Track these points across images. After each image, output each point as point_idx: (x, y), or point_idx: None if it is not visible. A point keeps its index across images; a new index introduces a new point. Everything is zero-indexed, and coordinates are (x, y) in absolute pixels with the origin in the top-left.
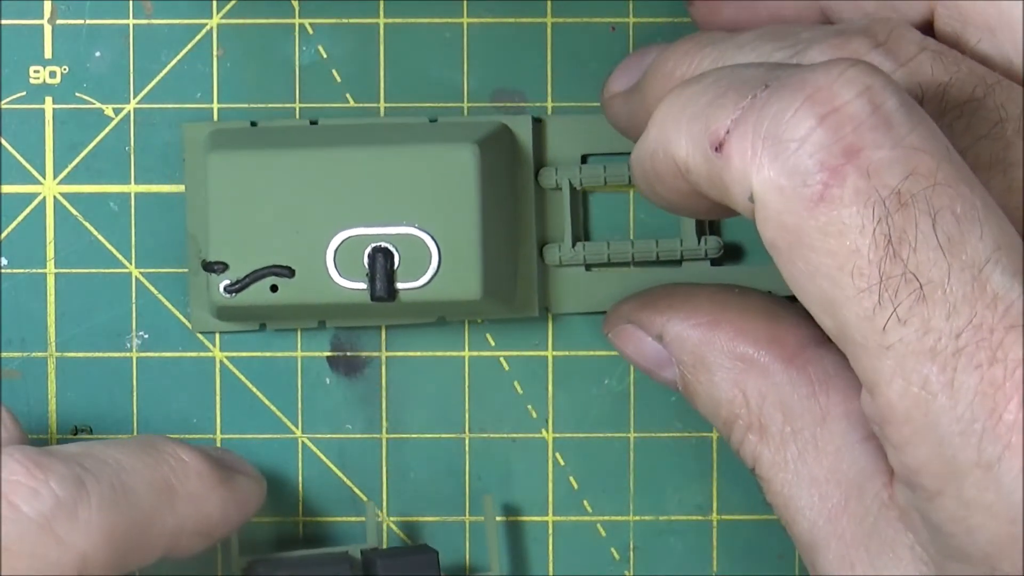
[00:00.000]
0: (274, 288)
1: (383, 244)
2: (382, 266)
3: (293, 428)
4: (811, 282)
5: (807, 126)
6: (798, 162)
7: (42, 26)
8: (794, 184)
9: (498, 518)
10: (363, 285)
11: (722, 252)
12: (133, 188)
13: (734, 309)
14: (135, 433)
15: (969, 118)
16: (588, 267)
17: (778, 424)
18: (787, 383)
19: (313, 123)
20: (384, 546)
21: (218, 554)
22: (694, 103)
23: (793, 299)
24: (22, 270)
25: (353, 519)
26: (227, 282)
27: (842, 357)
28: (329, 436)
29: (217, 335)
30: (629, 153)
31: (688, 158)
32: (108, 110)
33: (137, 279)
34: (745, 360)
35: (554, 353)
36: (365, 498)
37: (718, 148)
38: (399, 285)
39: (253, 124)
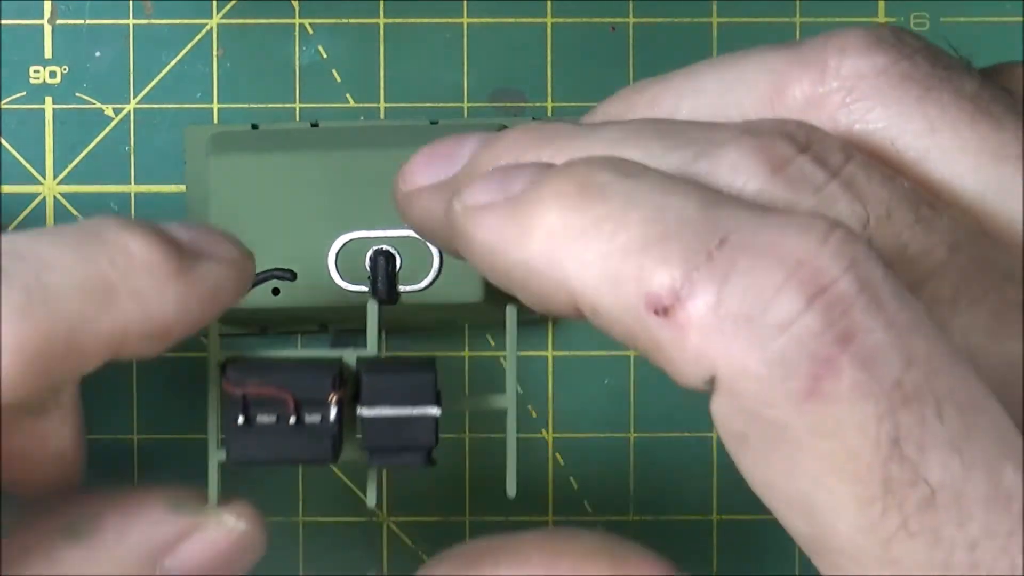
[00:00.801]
0: (276, 291)
1: (385, 247)
2: (384, 269)
3: None
4: (787, 482)
5: (793, 309)
6: (783, 351)
7: (42, 26)
8: (777, 376)
9: (496, 517)
10: (365, 288)
11: None
12: (133, 188)
13: (571, 556)
14: (136, 436)
15: (922, 241)
16: None
17: None
18: None
19: (314, 125)
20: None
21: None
22: (609, 237)
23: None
24: None
25: (353, 519)
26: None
27: None
28: None
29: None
30: None
31: (599, 302)
32: (108, 110)
33: None
34: None
35: (554, 353)
36: (366, 500)
37: (660, 312)
38: (401, 288)
39: (254, 127)
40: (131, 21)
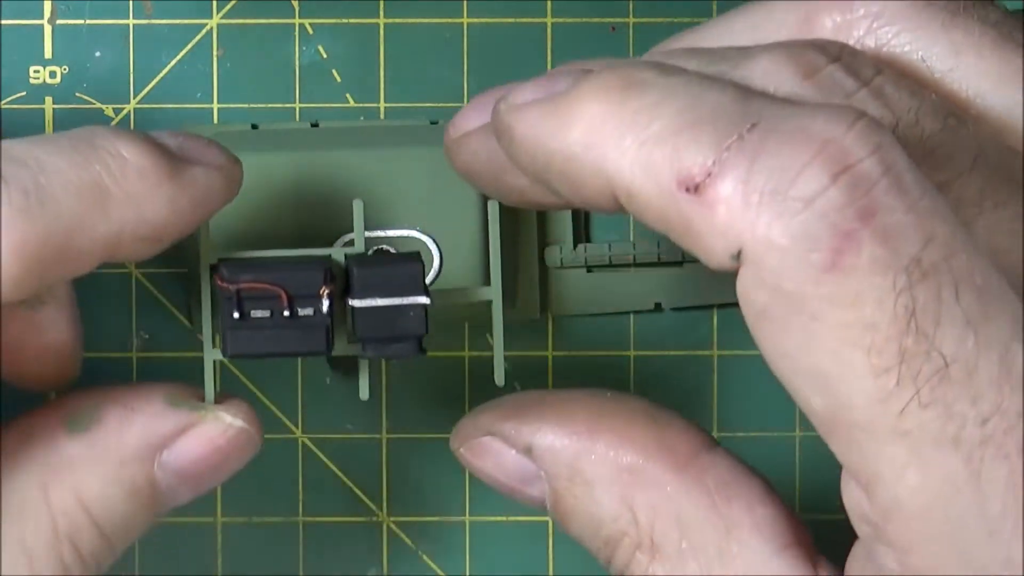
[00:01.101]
0: None
1: (385, 247)
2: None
3: (293, 428)
4: (806, 355)
5: (818, 184)
6: (807, 224)
7: (42, 26)
8: (800, 248)
9: (496, 517)
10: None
11: None
12: None
13: (614, 415)
14: None
15: (949, 148)
16: (589, 269)
17: (674, 540)
18: (682, 494)
19: (314, 125)
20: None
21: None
22: (646, 124)
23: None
24: None
25: (353, 519)
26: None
27: (737, 462)
28: (329, 436)
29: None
30: None
31: (633, 185)
32: (108, 110)
33: (137, 279)
34: (632, 471)
35: (554, 353)
36: (367, 501)
37: (692, 190)
38: None
39: (254, 127)
40: (131, 21)
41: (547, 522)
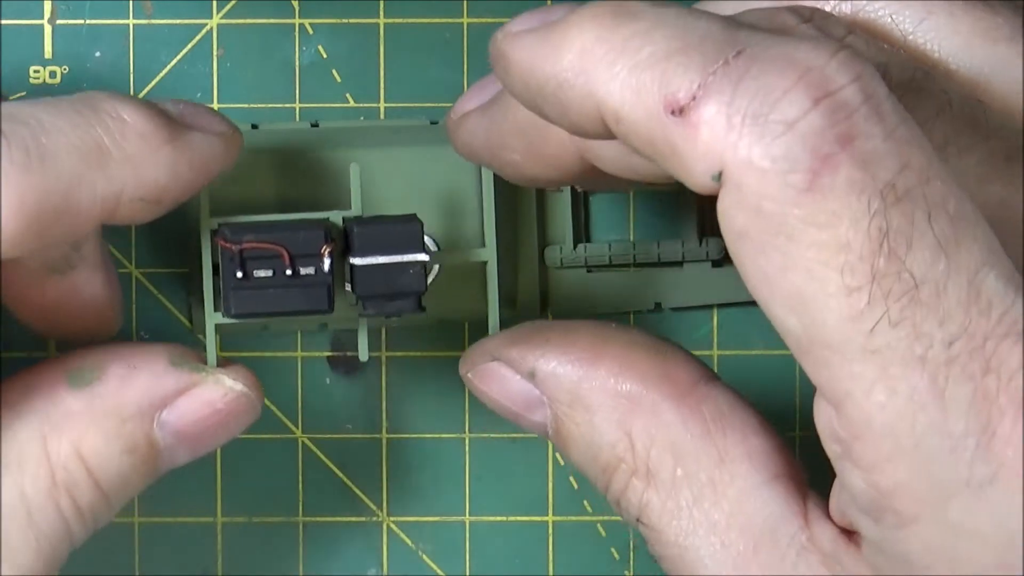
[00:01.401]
0: None
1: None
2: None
3: (293, 428)
4: (782, 276)
5: (800, 108)
6: (787, 146)
7: (42, 26)
8: (779, 169)
9: (496, 517)
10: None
11: (724, 254)
12: None
13: (616, 343)
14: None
15: (915, 98)
16: (589, 269)
17: (669, 467)
18: (678, 422)
19: (314, 125)
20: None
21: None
22: (636, 50)
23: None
24: None
25: (353, 519)
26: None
27: (734, 395)
28: (329, 436)
29: (217, 337)
30: None
31: (622, 109)
32: None
33: (137, 279)
34: (631, 398)
35: None
36: (367, 501)
37: (677, 112)
38: None
39: (254, 127)
40: (131, 21)
41: (547, 522)
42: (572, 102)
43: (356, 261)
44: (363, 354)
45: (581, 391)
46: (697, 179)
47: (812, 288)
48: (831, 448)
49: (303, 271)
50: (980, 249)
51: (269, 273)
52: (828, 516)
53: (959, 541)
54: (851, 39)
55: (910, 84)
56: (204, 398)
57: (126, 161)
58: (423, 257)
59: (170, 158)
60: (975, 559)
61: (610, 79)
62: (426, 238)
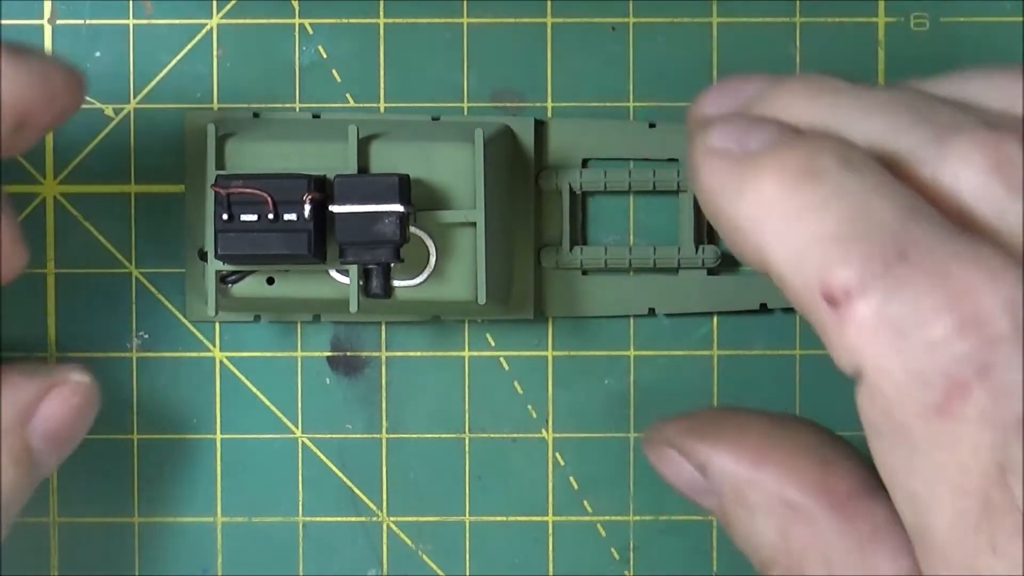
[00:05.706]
0: (271, 281)
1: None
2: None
3: (293, 428)
4: (905, 477)
5: (945, 332)
6: (925, 365)
7: (42, 26)
8: (915, 386)
9: (496, 517)
10: (360, 281)
11: (719, 262)
12: (133, 188)
13: (783, 448)
14: (136, 436)
15: None
16: (584, 271)
17: (819, 573)
18: (833, 533)
19: (316, 116)
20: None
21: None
22: (808, 223)
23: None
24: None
25: (353, 519)
26: (224, 273)
27: (893, 511)
28: (329, 436)
29: (217, 334)
30: (629, 159)
31: (784, 276)
32: (108, 110)
33: (137, 279)
34: (790, 506)
35: (554, 353)
36: (366, 501)
37: (830, 300)
38: (396, 283)
39: (256, 115)
40: (131, 21)
41: (547, 522)
42: (744, 246)
43: (335, 208)
44: (353, 306)
45: (745, 492)
46: (840, 365)
47: (928, 496)
48: None
49: (286, 217)
50: None
51: (254, 218)
52: None
53: None
54: None
55: None
56: (62, 396)
57: None
58: (400, 208)
59: (9, 74)
60: None
61: (778, 244)
62: (423, 235)
